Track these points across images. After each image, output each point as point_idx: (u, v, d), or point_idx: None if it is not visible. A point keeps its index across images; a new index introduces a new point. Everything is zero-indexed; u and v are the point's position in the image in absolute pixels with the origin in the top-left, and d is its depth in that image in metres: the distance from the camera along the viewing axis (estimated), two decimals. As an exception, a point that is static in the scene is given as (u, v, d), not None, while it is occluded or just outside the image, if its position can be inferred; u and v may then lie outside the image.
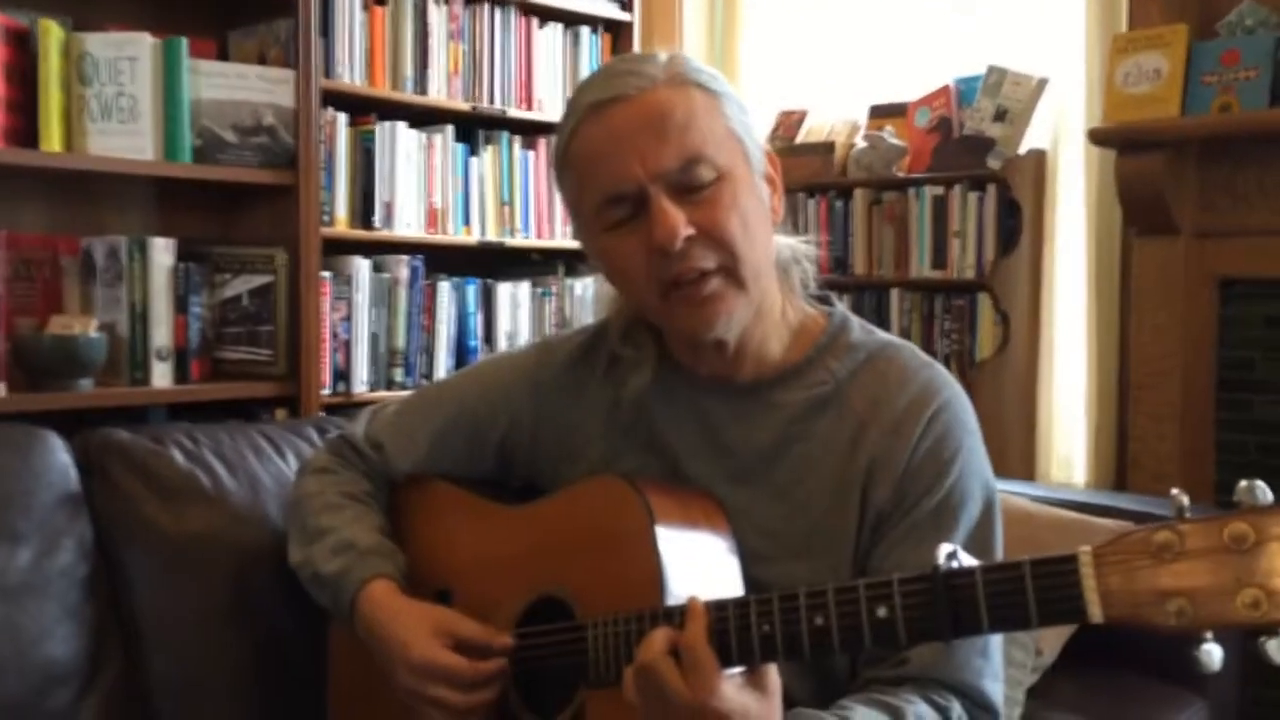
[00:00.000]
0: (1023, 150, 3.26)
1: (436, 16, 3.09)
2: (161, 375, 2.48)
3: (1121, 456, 3.07)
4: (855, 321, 1.35)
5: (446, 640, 1.26)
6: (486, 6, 3.22)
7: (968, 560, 0.93)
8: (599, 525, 1.24)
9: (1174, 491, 0.85)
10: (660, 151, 1.17)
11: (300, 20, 2.64)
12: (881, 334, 1.34)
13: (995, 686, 1.20)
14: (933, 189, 3.38)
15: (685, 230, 1.16)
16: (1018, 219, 3.23)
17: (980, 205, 3.30)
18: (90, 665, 1.53)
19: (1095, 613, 0.84)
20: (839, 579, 1.21)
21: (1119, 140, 2.87)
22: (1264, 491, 0.83)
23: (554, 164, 1.28)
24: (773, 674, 1.04)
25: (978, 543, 1.21)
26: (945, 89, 3.45)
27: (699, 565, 1.20)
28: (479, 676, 1.23)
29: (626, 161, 1.18)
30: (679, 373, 1.33)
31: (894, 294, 3.49)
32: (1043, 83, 3.23)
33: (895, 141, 3.49)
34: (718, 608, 1.05)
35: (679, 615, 1.08)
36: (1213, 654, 0.82)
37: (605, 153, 1.19)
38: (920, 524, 1.21)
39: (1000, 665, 1.21)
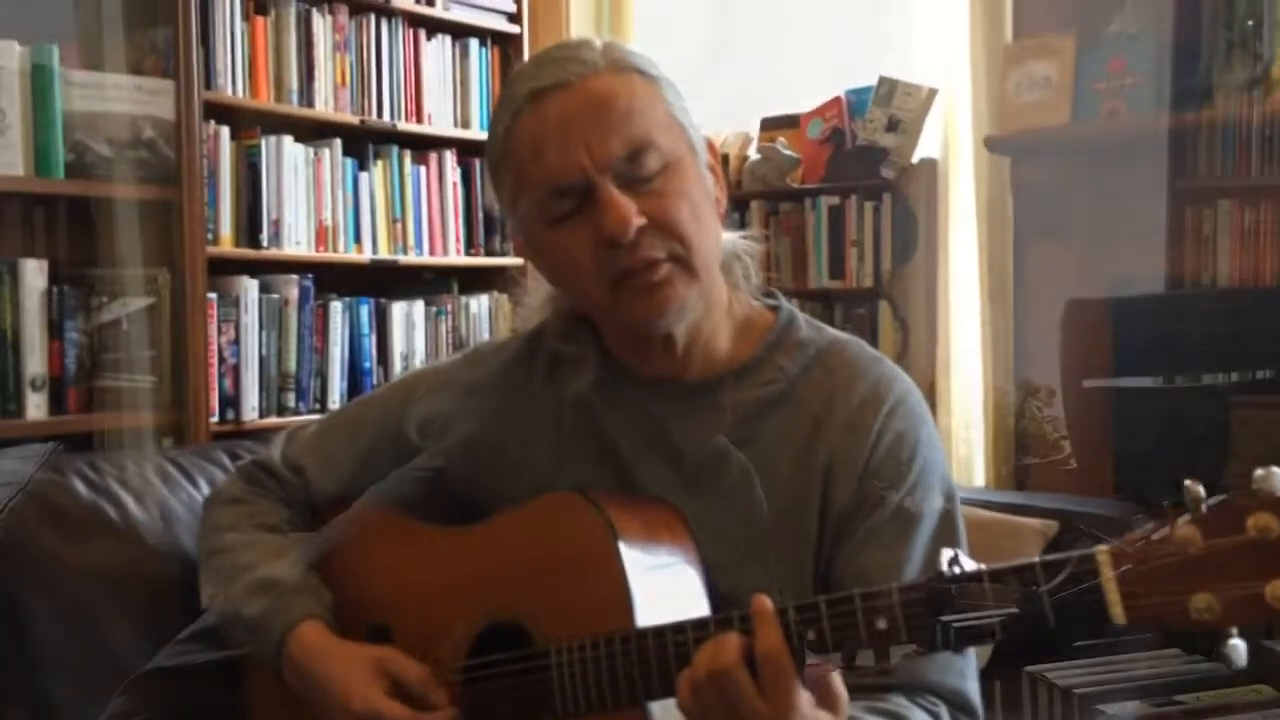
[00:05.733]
0: (915, 160, 3.29)
1: (321, 27, 2.98)
2: (36, 406, 2.33)
3: (1019, 461, 3.10)
4: (802, 318, 1.31)
5: (387, 684, 1.18)
6: (373, 17, 3.12)
7: (969, 565, 0.89)
8: (557, 545, 1.16)
9: (1187, 483, 0.82)
10: (606, 140, 1.12)
11: (180, 28, 2.51)
12: (829, 330, 1.31)
13: (973, 686, 1.18)
14: (829, 199, 3.38)
15: (637, 220, 1.11)
16: (913, 227, 3.26)
17: (876, 215, 3.31)
18: (-13, 716, 1.41)
19: (1118, 613, 0.80)
20: (800, 583, 1.16)
21: (1012, 147, 2.91)
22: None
23: (489, 159, 1.21)
24: (839, 686, 0.98)
25: (943, 539, 1.17)
26: (837, 100, 3.46)
27: (666, 582, 1.13)
28: None
29: (572, 151, 1.12)
30: (624, 374, 1.27)
31: (793, 304, 3.46)
32: (933, 93, 3.26)
33: (789, 153, 3.49)
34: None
35: (652, 636, 1.02)
36: (1238, 649, 0.79)
37: (548, 142, 1.13)
38: (884, 524, 1.17)
39: (975, 664, 1.18)
